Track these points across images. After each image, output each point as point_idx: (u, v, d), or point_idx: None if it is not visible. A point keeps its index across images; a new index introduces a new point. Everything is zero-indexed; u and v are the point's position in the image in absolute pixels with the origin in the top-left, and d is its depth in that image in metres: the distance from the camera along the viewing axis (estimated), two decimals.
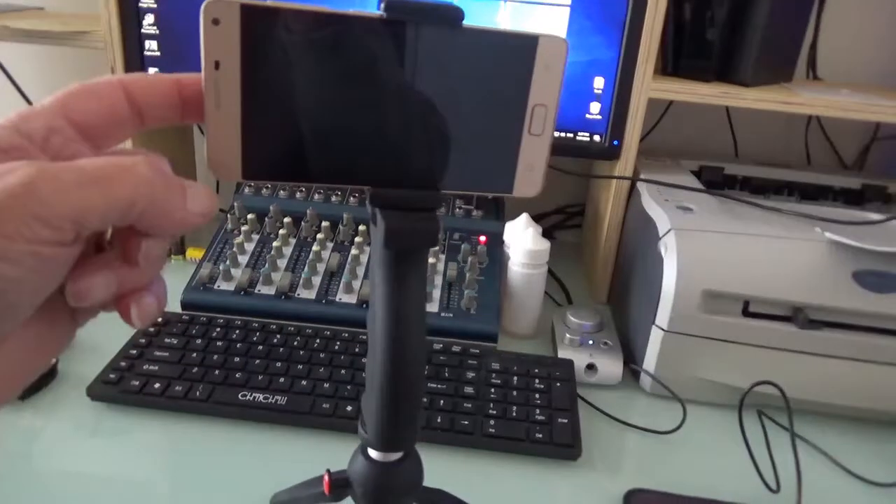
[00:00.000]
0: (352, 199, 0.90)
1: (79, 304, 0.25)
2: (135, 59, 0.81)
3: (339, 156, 0.30)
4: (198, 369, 0.63)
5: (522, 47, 0.31)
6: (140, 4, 0.79)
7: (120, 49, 0.80)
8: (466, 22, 0.29)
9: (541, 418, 0.61)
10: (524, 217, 0.80)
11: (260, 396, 0.61)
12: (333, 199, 0.89)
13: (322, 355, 0.66)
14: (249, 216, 0.85)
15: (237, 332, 0.69)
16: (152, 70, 0.82)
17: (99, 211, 0.22)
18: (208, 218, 0.27)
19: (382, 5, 0.28)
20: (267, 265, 0.78)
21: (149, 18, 0.80)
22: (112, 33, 0.80)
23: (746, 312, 0.65)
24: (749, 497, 0.55)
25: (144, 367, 0.63)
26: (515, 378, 0.65)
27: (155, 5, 0.79)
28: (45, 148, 0.24)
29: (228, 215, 0.86)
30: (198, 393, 0.61)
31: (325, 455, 0.56)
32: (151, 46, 0.81)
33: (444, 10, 0.29)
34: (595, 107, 0.81)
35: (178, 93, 0.27)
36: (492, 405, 0.62)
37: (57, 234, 0.22)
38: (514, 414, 0.61)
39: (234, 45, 0.27)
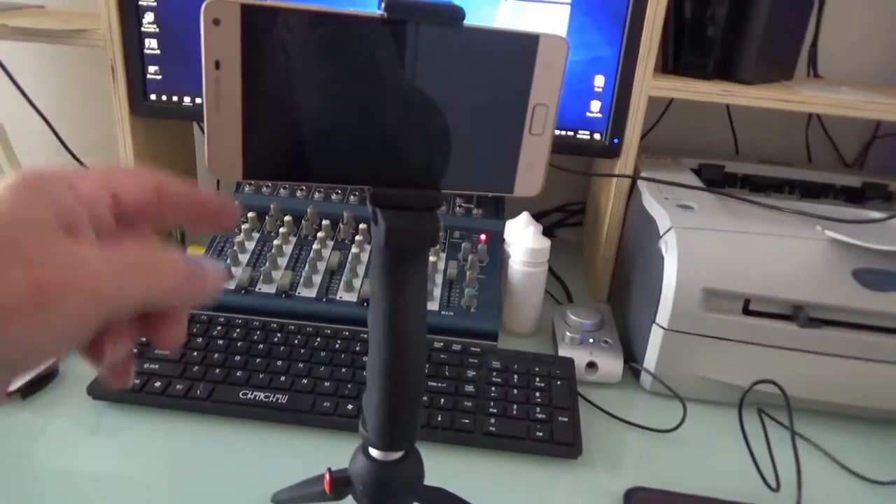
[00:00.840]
0: (352, 197, 0.90)
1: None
2: (135, 58, 0.81)
3: (340, 156, 0.30)
4: (198, 368, 0.63)
5: (523, 46, 0.31)
6: (140, 3, 0.79)
7: (120, 47, 0.80)
8: (467, 21, 0.29)
9: (541, 417, 0.61)
10: (524, 215, 0.80)
11: (261, 395, 0.61)
12: (334, 197, 0.89)
13: (323, 354, 0.66)
14: (250, 214, 0.85)
15: (238, 330, 0.69)
16: (152, 68, 0.82)
17: (140, 302, 0.26)
18: (219, 288, 0.30)
19: (383, 5, 0.28)
20: (267, 264, 0.78)
21: (149, 16, 0.80)
22: (112, 31, 0.80)
23: (747, 311, 0.65)
24: (749, 495, 0.55)
25: (145, 365, 0.63)
26: (516, 376, 0.65)
27: (155, 3, 0.79)
28: (91, 213, 0.26)
29: None
30: (198, 392, 0.61)
31: (325, 454, 0.57)
32: (151, 45, 0.81)
33: (445, 10, 0.29)
34: (595, 105, 0.81)
35: (197, 200, 0.30)
36: (492, 403, 0.62)
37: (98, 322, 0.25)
38: (515, 412, 0.61)
39: (235, 45, 0.27)
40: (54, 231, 0.24)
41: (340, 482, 0.42)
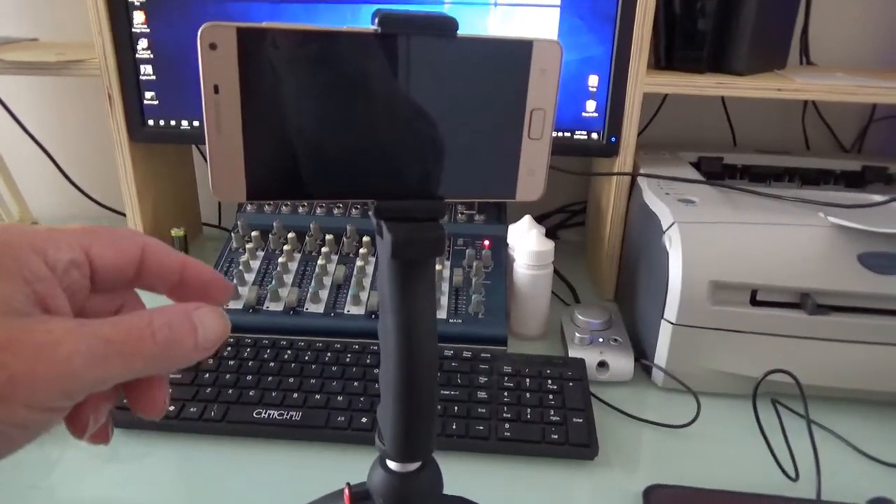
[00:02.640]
0: (354, 210, 0.90)
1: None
2: (131, 85, 0.82)
3: (342, 171, 0.30)
4: (211, 389, 0.63)
5: (517, 53, 0.31)
6: (133, 30, 0.79)
7: (116, 75, 0.81)
8: (459, 30, 0.30)
9: (555, 419, 0.61)
10: (527, 219, 0.81)
11: (274, 413, 0.61)
12: (336, 211, 0.90)
13: (334, 368, 0.67)
14: (253, 233, 0.85)
15: (248, 350, 0.69)
16: (149, 94, 0.82)
17: (117, 379, 0.24)
18: (221, 342, 0.28)
19: (376, 20, 0.29)
20: (273, 281, 0.78)
21: (143, 43, 0.80)
22: (107, 60, 0.80)
23: (754, 301, 0.65)
24: (768, 487, 0.55)
25: None
26: (527, 380, 0.65)
27: (148, 30, 0.80)
28: (62, 279, 0.25)
29: (232, 234, 0.86)
30: (212, 413, 0.61)
31: (343, 468, 0.56)
32: (147, 71, 0.81)
33: (438, 21, 0.29)
34: (591, 105, 0.81)
35: (181, 272, 0.29)
36: (505, 409, 0.62)
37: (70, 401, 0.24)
38: (529, 416, 0.61)
39: (232, 68, 0.27)
40: (24, 307, 0.23)
41: (360, 496, 0.42)
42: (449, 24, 0.29)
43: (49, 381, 0.22)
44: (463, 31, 0.30)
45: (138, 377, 0.26)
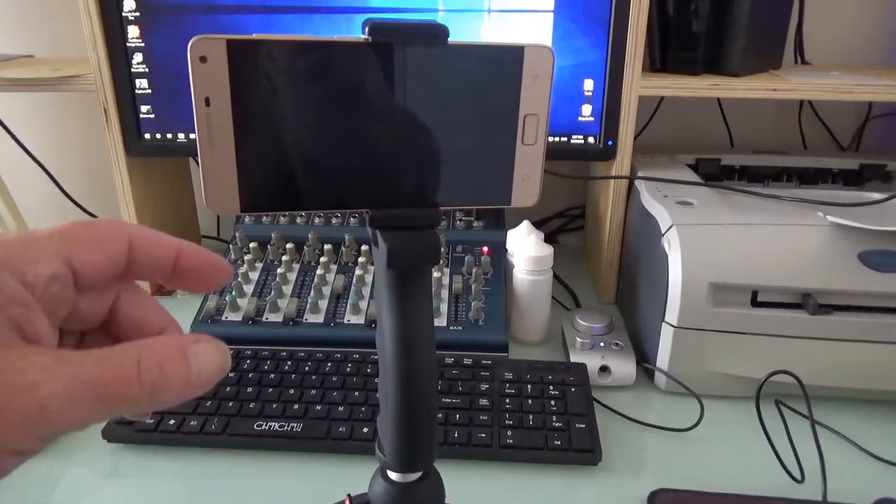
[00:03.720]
0: (352, 219, 0.90)
1: None
2: (127, 99, 0.82)
3: (336, 181, 0.30)
4: (211, 402, 0.63)
5: (509, 59, 0.31)
6: (128, 44, 0.80)
7: (111, 89, 0.81)
8: (452, 37, 0.30)
9: (558, 425, 0.61)
10: (525, 224, 0.80)
11: (275, 425, 0.61)
12: (334, 221, 0.90)
13: (334, 379, 0.66)
14: (252, 245, 0.85)
15: (248, 361, 0.69)
16: (145, 108, 0.82)
17: (95, 422, 0.23)
18: (217, 380, 0.25)
19: (367, 29, 0.29)
20: (273, 293, 0.78)
21: (138, 57, 0.80)
22: (102, 75, 0.80)
23: (755, 302, 0.65)
24: (774, 488, 0.55)
25: None
26: (529, 386, 0.65)
27: (143, 44, 0.80)
28: (42, 296, 0.23)
29: (231, 246, 0.86)
30: (213, 426, 0.60)
31: (344, 479, 0.56)
32: (142, 84, 0.81)
33: (428, 29, 0.29)
34: (587, 109, 0.81)
35: (175, 260, 0.28)
36: (508, 416, 0.62)
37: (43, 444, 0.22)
38: (531, 423, 0.61)
39: (223, 80, 0.27)
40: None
41: None
42: (439, 32, 0.29)
43: (21, 427, 0.20)
44: (457, 39, 0.30)
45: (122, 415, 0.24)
